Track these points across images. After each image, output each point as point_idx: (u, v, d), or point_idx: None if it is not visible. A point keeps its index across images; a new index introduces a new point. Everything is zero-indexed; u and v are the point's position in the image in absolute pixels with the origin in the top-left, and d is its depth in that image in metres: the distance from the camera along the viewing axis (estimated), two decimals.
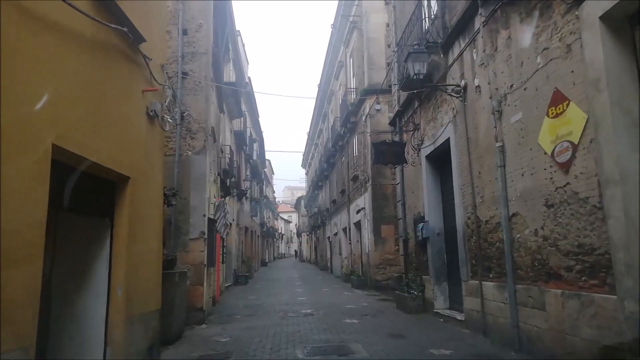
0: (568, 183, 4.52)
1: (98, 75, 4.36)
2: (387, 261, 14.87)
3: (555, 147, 4.69)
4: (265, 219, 42.01)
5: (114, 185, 4.91)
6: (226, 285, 16.84)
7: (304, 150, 46.20)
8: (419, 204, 9.59)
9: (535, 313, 5.07)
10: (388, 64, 15.41)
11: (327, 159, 26.09)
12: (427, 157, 9.01)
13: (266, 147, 42.01)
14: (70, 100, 3.83)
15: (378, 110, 15.59)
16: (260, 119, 31.09)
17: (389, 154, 9.45)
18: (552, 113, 4.74)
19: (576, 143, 4.38)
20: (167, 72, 6.18)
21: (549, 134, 4.82)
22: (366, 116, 15.86)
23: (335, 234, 24.84)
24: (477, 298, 6.62)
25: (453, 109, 7.57)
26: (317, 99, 29.95)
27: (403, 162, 9.49)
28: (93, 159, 4.19)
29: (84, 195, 4.65)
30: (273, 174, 56.68)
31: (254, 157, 27.87)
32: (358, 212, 16.89)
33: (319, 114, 30.45)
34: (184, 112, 9.04)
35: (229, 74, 18.56)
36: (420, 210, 9.46)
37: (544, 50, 4.92)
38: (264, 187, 39.94)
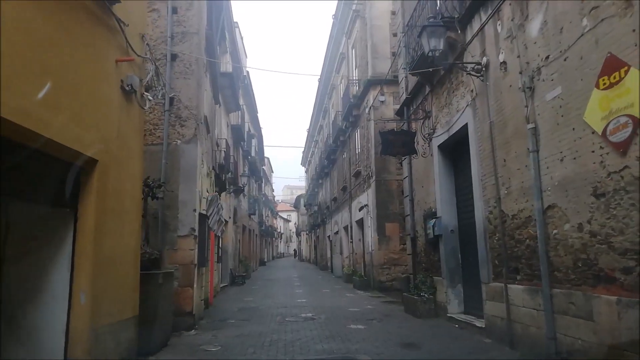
0: (626, 167, 3.72)
1: (55, 34, 3.56)
2: (392, 261, 14.08)
3: (609, 124, 3.89)
4: (264, 218, 41.23)
5: (79, 171, 4.12)
6: (222, 285, 16.05)
7: (303, 148, 45.42)
8: (430, 199, 8.79)
9: (580, 323, 4.27)
10: (393, 54, 14.64)
11: (327, 156, 25.29)
12: (440, 146, 8.21)
13: (265, 144, 41.26)
14: (12, 58, 3.02)
15: (382, 101, 14.80)
16: (258, 115, 30.32)
17: (397, 144, 8.65)
18: (604, 83, 3.94)
19: (638, 117, 3.59)
20: (147, 43, 5.37)
21: (599, 109, 4.02)
22: (370, 108, 15.06)
23: (336, 233, 24.06)
24: (501, 303, 5.83)
25: (472, 91, 6.78)
26: (318, 94, 29.14)
27: (412, 152, 8.70)
28: (47, 134, 3.40)
29: (41, 181, 3.86)
30: (272, 172, 55.89)
31: (252, 154, 27.06)
32: (360, 209, 16.10)
33: (319, 109, 29.65)
34: (173, 97, 8.25)
35: (226, 66, 17.74)
36: (432, 205, 8.67)
37: (592, 10, 4.12)
38: (263, 185, 39.17)
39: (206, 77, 10.62)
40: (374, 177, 14.64)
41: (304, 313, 9.37)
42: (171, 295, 6.82)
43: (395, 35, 14.94)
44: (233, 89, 16.82)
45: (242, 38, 25.91)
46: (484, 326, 6.38)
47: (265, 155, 42.20)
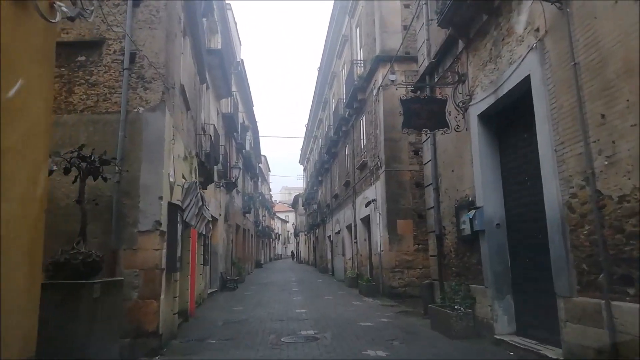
0: None
1: None
2: (405, 263, 12.20)
3: None
4: (260, 217, 39.31)
5: None
6: (210, 291, 14.16)
7: (302, 145, 43.54)
8: (464, 185, 6.92)
9: None
10: (405, 27, 12.83)
11: (328, 149, 23.40)
12: (481, 115, 6.34)
13: (261, 140, 39.25)
14: None
15: (393, 80, 12.90)
16: (254, 109, 28.46)
17: (422, 114, 6.77)
18: None
19: None
20: None
21: None
22: (378, 89, 13.19)
23: (338, 232, 22.15)
24: (597, 328, 3.94)
25: (537, 29, 4.91)
26: (317, 85, 27.30)
27: (443, 125, 6.81)
28: None
29: None
30: (269, 171, 53.99)
31: (247, 147, 25.17)
32: (367, 205, 14.21)
33: (319, 101, 27.77)
34: (135, 52, 6.36)
35: (216, 46, 15.90)
36: (467, 193, 6.80)
37: None
38: (259, 183, 37.24)
39: (185, 39, 8.74)
40: (383, 168, 12.75)
41: (305, 330, 7.47)
42: (119, 312, 4.92)
43: (407, 6, 13.15)
44: (223, 70, 14.99)
45: (236, 24, 24.15)
46: (560, 358, 4.50)
47: (262, 153, 40.29)
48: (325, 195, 27.38)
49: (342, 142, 20.11)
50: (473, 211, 6.34)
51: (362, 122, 15.82)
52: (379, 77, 13.21)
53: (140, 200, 6.04)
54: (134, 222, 5.99)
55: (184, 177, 8.06)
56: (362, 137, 15.98)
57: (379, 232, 13.18)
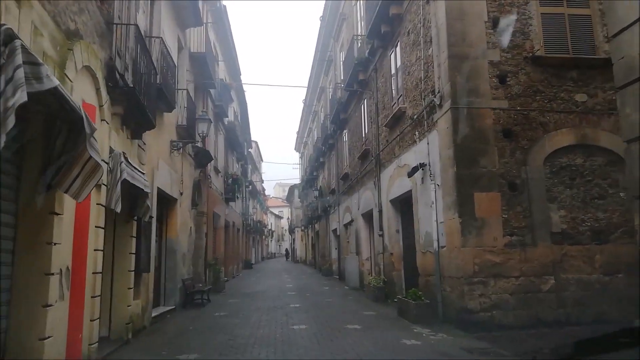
0: None
1: None
2: (489, 268, 6.95)
3: None
4: (251, 210, 33.90)
5: None
6: (162, 311, 8.87)
7: (298, 128, 38.11)
8: None
9: None
10: None
11: (334, 117, 18.03)
12: None
13: (254, 137, 33.67)
14: None
15: None
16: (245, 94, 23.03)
17: None
18: None
19: None
20: None
21: None
22: None
23: (349, 224, 16.86)
24: None
25: None
26: (319, 41, 21.95)
27: None
28: None
29: None
30: (262, 160, 48.49)
31: (231, 117, 19.77)
32: (410, 175, 8.90)
33: (322, 59, 22.30)
34: None
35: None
36: None
37: None
38: (249, 171, 31.73)
39: None
40: (448, 105, 7.47)
41: None
42: None
43: None
44: None
45: None
46: None
47: (253, 139, 34.75)
48: (329, 179, 22.06)
49: (357, 100, 14.78)
50: None
51: (395, 54, 10.53)
52: None
53: None
54: None
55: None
56: (394, 78, 10.68)
57: (434, 217, 7.91)
